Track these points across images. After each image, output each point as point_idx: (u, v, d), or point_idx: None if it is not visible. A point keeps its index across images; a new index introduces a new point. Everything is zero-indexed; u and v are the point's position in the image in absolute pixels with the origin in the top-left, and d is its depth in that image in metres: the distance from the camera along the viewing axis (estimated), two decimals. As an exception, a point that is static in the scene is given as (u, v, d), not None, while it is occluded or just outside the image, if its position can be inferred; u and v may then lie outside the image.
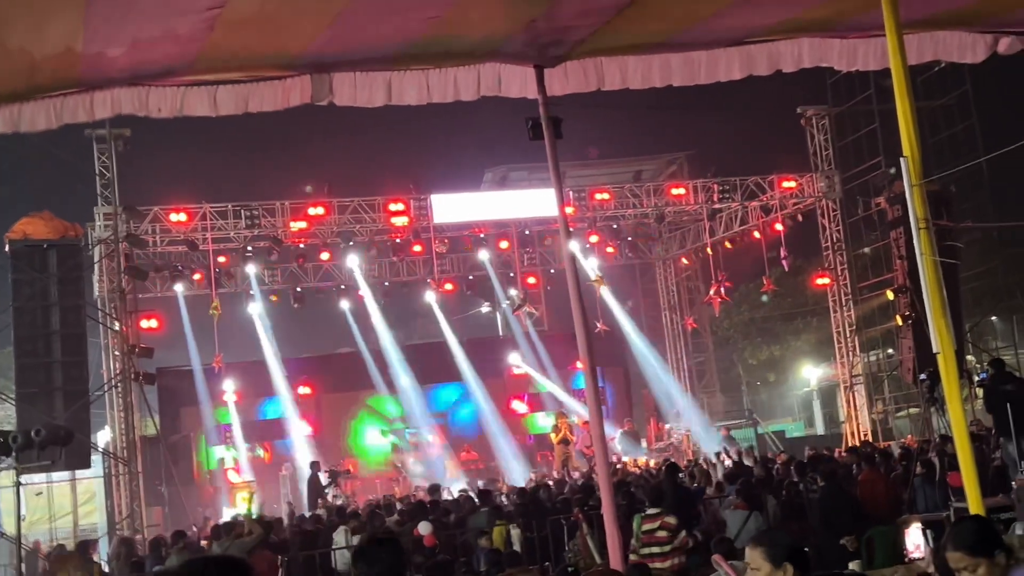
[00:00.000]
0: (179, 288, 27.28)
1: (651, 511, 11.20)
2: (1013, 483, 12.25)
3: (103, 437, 25.81)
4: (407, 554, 11.09)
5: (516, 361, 31.47)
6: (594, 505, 12.66)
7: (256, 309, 28.68)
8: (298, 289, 29.23)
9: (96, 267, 24.60)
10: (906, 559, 10.80)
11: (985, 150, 23.98)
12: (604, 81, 10.00)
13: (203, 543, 16.96)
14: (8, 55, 7.63)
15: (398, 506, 18.54)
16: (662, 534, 10.94)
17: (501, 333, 36.28)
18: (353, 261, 28.42)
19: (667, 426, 30.49)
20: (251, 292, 28.55)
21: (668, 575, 10.64)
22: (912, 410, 28.80)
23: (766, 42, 9.92)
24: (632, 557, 10.62)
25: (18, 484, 12.74)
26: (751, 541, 4.80)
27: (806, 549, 4.80)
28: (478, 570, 10.86)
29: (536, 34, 8.83)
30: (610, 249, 31.17)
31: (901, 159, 6.89)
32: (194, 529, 19.64)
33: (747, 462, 19.38)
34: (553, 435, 27.57)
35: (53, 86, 8.61)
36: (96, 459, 23.03)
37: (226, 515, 22.79)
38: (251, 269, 27.75)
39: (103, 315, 24.37)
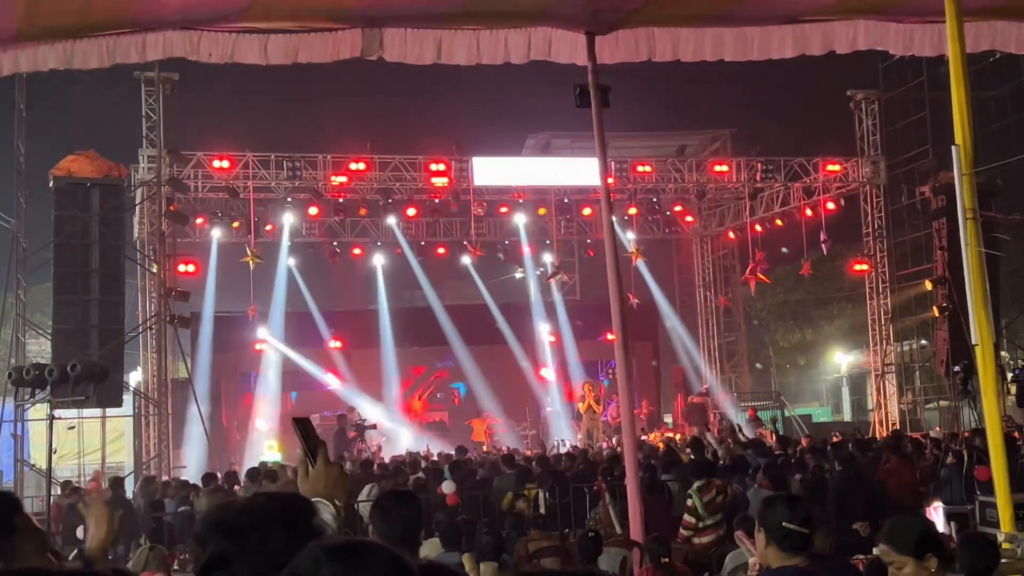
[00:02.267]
0: (218, 234, 27.44)
1: (700, 483, 11.29)
2: (1041, 481, 12.16)
3: (135, 377, 26.11)
4: (426, 511, 11.18)
5: (546, 329, 31.57)
6: (618, 476, 12.70)
7: (292, 260, 28.90)
8: (334, 243, 29.30)
9: (137, 209, 24.77)
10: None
11: (1035, 144, 23.65)
12: (655, 52, 9.94)
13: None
14: (65, -9, 7.69)
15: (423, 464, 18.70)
16: (720, 499, 11.06)
17: (533, 300, 36.33)
18: (391, 219, 28.53)
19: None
20: (288, 243, 28.68)
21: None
22: (942, 402, 28.59)
23: (821, 22, 9.83)
24: (683, 533, 10.69)
25: (51, 417, 12.90)
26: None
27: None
28: (500, 531, 10.91)
29: (591, -1, 8.79)
30: (649, 222, 31.03)
31: (953, 147, 6.82)
32: (218, 474, 19.83)
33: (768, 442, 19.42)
34: (580, 404, 27.66)
35: (107, 25, 8.67)
36: (127, 398, 23.33)
37: (253, 462, 23.07)
38: (289, 219, 27.84)
39: (141, 257, 24.58)
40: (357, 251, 29.93)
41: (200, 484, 16.79)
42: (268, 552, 2.37)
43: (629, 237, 30.12)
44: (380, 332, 30.36)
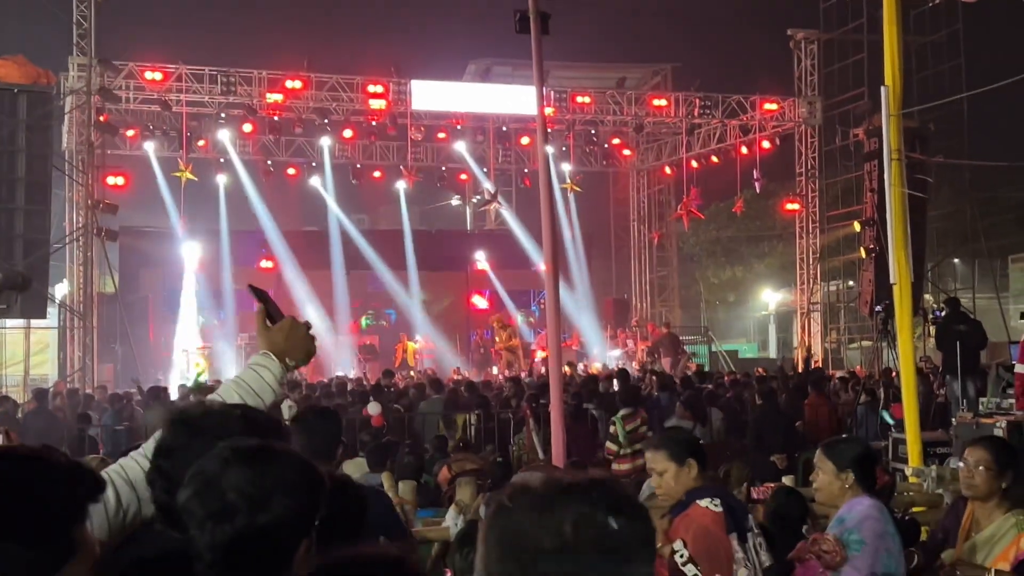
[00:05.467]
0: (149, 147, 26.93)
1: (626, 411, 11.39)
2: (954, 420, 12.52)
3: (60, 290, 25.72)
4: (349, 431, 11.25)
5: (479, 257, 31.61)
6: (544, 403, 12.82)
7: (224, 178, 28.47)
8: (268, 163, 28.90)
9: (66, 118, 24.22)
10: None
11: (969, 91, 23.91)
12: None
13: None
14: None
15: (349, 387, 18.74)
16: (643, 429, 11.17)
17: (469, 227, 36.36)
18: (326, 140, 28.20)
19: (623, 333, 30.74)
20: (221, 160, 28.23)
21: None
22: (865, 342, 29.16)
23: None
24: (606, 458, 10.79)
25: (-29, 327, 12.71)
26: (651, 444, 4.86)
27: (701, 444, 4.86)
28: (423, 454, 11.01)
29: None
30: (586, 154, 31.04)
31: (882, 88, 6.89)
32: (133, 391, 19.62)
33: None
34: (497, 339, 27.85)
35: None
36: (52, 311, 23.00)
37: (177, 380, 23.00)
38: (223, 136, 27.38)
39: (70, 167, 24.09)
40: (292, 171, 29.57)
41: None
42: None
43: (566, 168, 30.17)
44: (331, 254, 30.10)
